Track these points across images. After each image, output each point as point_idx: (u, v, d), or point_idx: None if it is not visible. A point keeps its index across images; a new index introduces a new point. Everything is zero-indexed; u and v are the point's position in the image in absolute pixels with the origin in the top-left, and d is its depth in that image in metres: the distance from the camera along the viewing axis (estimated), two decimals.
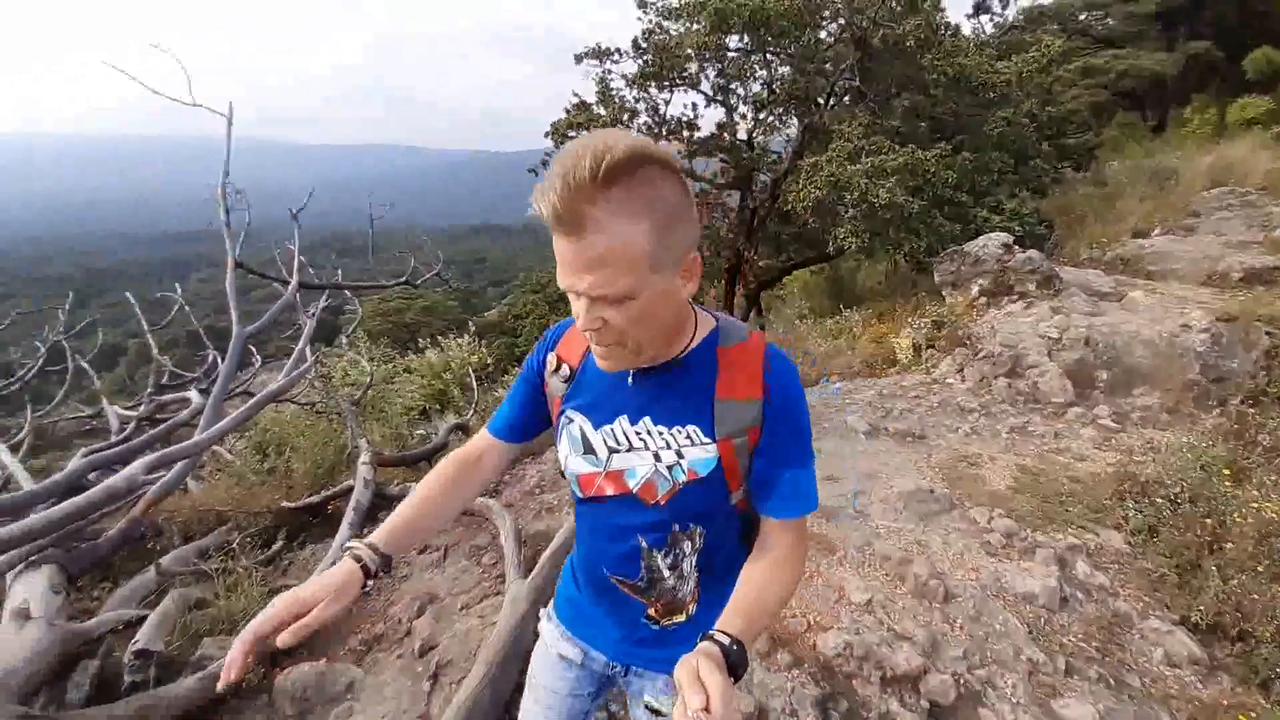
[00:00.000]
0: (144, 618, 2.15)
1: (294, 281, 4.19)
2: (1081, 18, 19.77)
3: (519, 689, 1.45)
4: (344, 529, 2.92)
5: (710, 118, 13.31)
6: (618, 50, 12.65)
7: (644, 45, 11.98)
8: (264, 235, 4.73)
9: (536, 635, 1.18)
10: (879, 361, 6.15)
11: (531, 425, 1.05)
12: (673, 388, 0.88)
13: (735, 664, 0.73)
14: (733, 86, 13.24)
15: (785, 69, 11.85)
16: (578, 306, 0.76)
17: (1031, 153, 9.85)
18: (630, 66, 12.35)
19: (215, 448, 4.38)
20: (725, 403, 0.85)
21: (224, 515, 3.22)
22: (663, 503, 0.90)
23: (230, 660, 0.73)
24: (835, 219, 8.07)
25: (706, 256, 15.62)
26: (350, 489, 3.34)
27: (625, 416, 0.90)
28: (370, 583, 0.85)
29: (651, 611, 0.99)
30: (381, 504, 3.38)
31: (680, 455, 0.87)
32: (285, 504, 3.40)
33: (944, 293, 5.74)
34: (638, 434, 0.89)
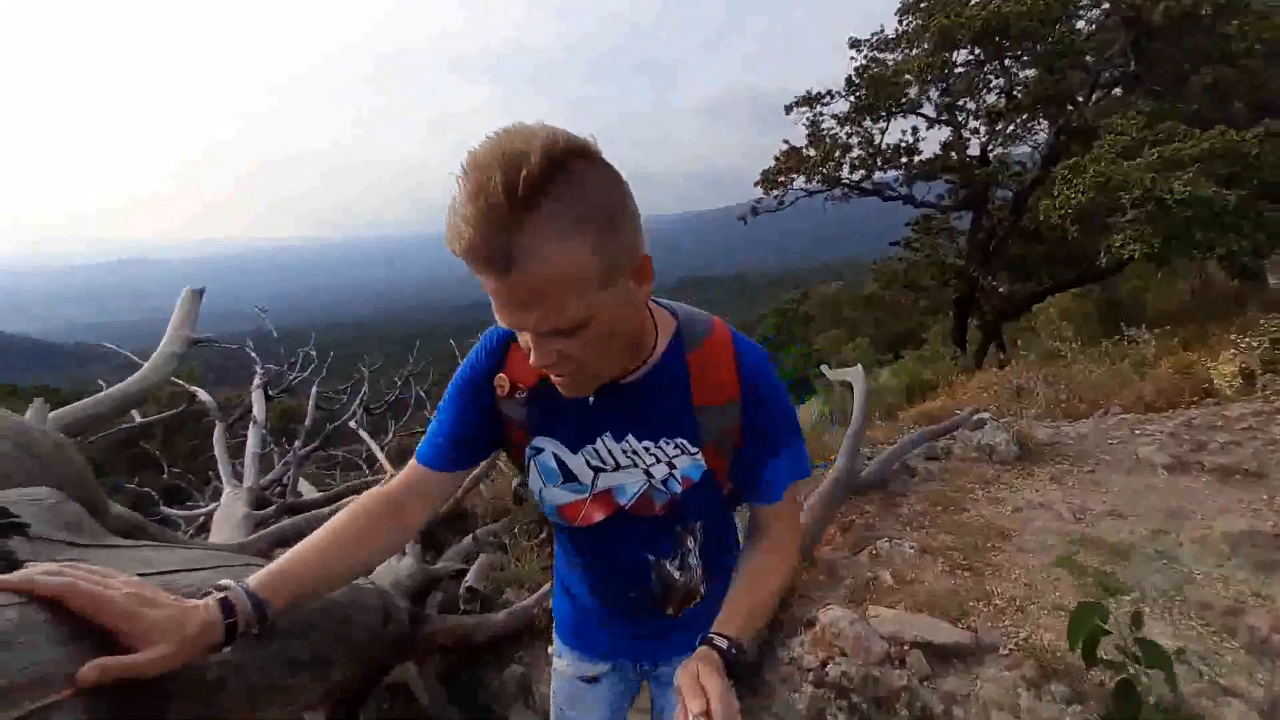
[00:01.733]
0: (467, 570, 2.83)
1: None
2: None
3: None
4: None
5: (934, 139, 12.44)
6: (829, 92, 12.68)
7: (857, 82, 11.81)
8: None
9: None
10: (1185, 392, 4.92)
11: (477, 449, 0.88)
12: (650, 400, 0.81)
13: (735, 665, 0.73)
14: (961, 103, 12.23)
15: (1029, 72, 10.57)
16: (524, 339, 0.68)
17: None
18: (842, 106, 12.22)
19: None
20: (704, 409, 0.81)
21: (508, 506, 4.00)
22: (661, 513, 0.87)
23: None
24: (1107, 227, 6.81)
25: (930, 286, 14.19)
26: None
27: (609, 434, 0.83)
28: (230, 647, 0.62)
29: (670, 611, 0.98)
30: None
31: (673, 466, 0.84)
32: None
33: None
34: (624, 452, 0.84)
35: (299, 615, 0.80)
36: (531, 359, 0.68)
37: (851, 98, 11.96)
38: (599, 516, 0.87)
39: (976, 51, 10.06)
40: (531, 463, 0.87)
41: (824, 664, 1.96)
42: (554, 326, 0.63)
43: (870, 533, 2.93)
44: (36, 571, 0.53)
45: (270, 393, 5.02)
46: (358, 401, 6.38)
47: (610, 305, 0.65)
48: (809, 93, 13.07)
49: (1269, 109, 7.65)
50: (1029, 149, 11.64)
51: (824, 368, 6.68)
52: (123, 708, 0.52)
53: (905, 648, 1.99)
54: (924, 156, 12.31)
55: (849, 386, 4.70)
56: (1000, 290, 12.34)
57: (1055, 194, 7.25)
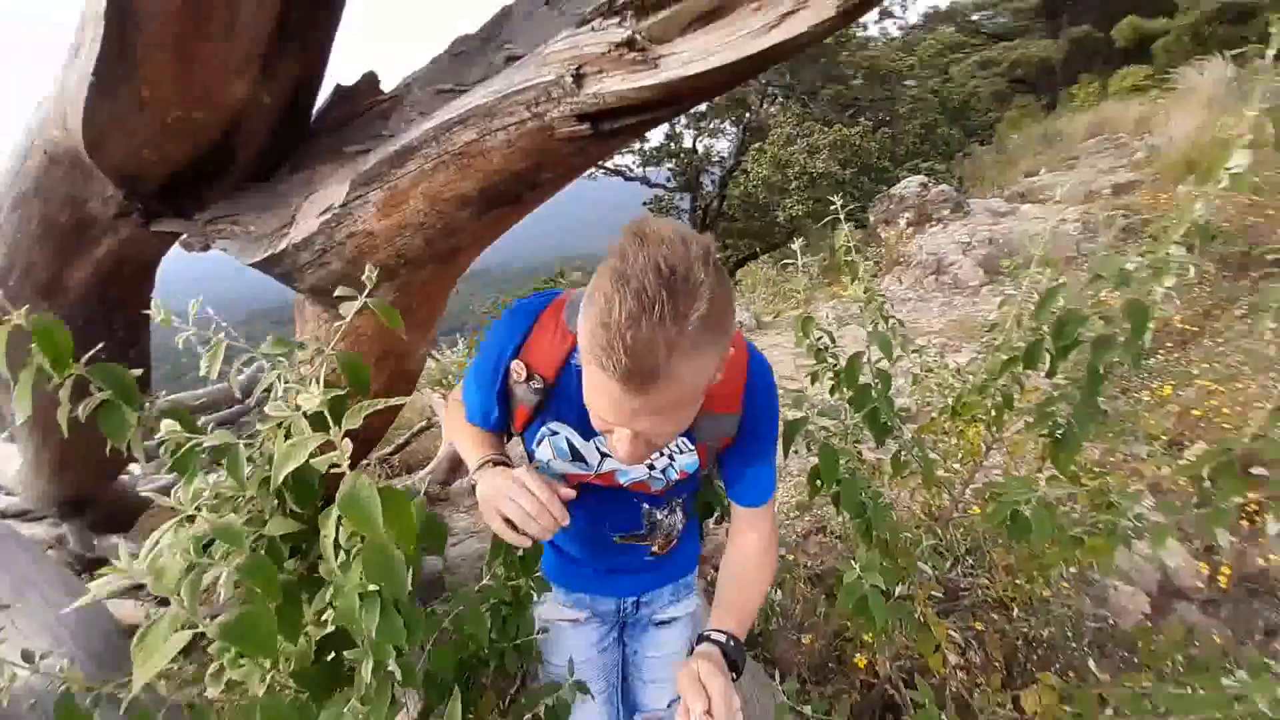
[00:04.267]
0: None
1: None
2: (974, 17, 22.12)
3: None
4: None
5: (661, 129, 14.59)
6: None
7: None
8: None
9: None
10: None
11: (503, 423, 0.96)
12: None
13: (734, 661, 0.78)
14: None
15: None
16: (617, 439, 0.69)
17: (939, 124, 11.34)
18: None
19: None
20: (707, 415, 0.81)
21: None
22: (655, 494, 0.97)
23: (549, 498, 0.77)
24: (783, 194, 9.26)
25: None
26: None
27: None
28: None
29: (654, 549, 1.05)
30: None
31: (672, 459, 0.91)
32: None
33: (879, 230, 6.86)
34: None
35: None
36: (619, 452, 0.69)
37: None
38: (599, 485, 0.95)
39: None
40: (544, 440, 0.91)
41: None
42: (673, 433, 0.68)
43: None
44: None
45: None
46: None
47: (701, 398, 0.68)
48: None
49: (860, 115, 11.23)
50: (727, 143, 14.44)
51: None
52: None
53: None
54: (653, 145, 14.42)
55: None
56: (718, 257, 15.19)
57: (749, 171, 9.51)
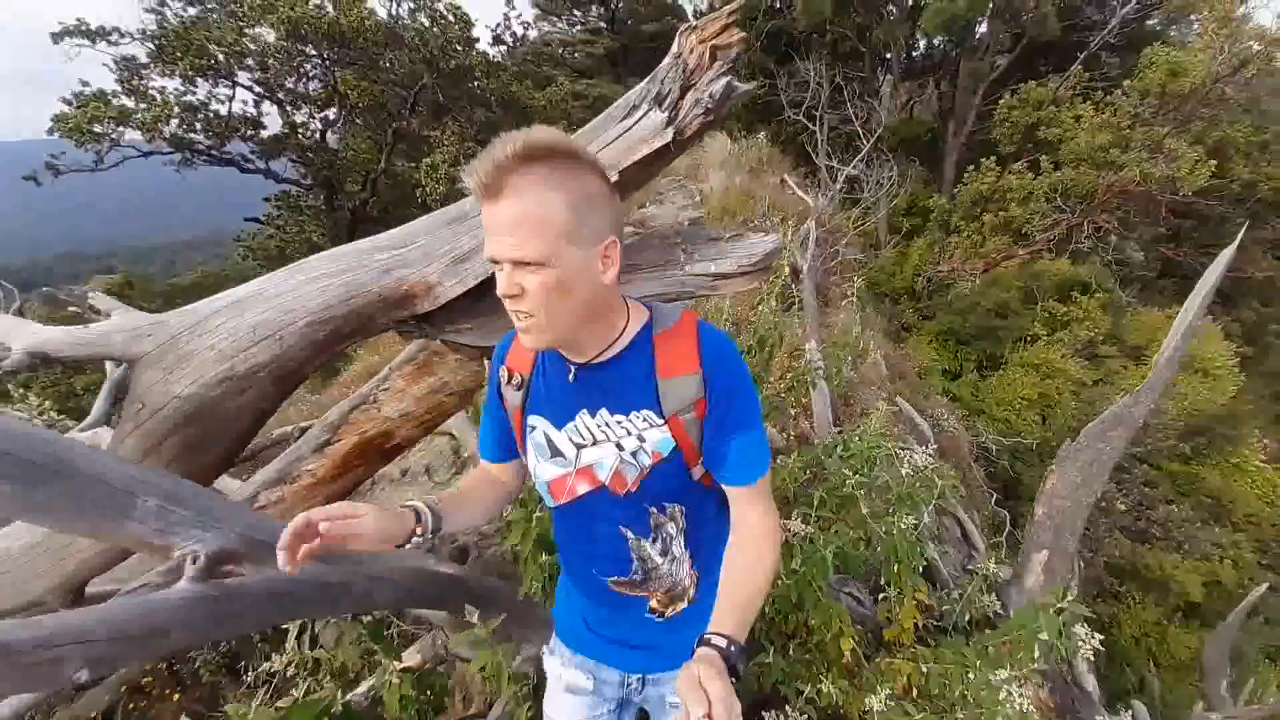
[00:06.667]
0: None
1: None
2: (561, 52, 26.09)
3: None
4: None
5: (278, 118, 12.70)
6: (117, 30, 10.71)
7: (158, 31, 10.47)
8: None
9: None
10: None
11: (513, 442, 1.03)
12: (619, 377, 0.90)
13: (735, 663, 0.76)
14: (283, 82, 12.77)
15: (348, 73, 12.36)
16: (500, 276, 0.80)
17: None
18: (134, 49, 10.63)
19: None
20: (667, 380, 0.88)
21: None
22: (634, 489, 0.92)
23: (282, 542, 0.76)
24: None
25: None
26: None
27: (584, 411, 0.92)
28: (417, 536, 0.89)
29: (654, 604, 1.00)
30: None
31: (642, 439, 0.90)
32: None
33: None
34: (599, 426, 0.91)
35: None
36: (499, 288, 0.81)
37: (150, 44, 10.50)
38: (583, 489, 0.94)
39: (316, 50, 11.14)
40: (528, 442, 0.98)
41: None
42: (520, 255, 0.77)
43: None
44: (311, 512, 0.79)
45: None
46: None
47: (572, 262, 0.79)
48: (82, 22, 10.66)
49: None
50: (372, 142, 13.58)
51: None
52: None
53: None
54: (272, 133, 12.49)
55: None
56: None
57: (423, 182, 9.79)
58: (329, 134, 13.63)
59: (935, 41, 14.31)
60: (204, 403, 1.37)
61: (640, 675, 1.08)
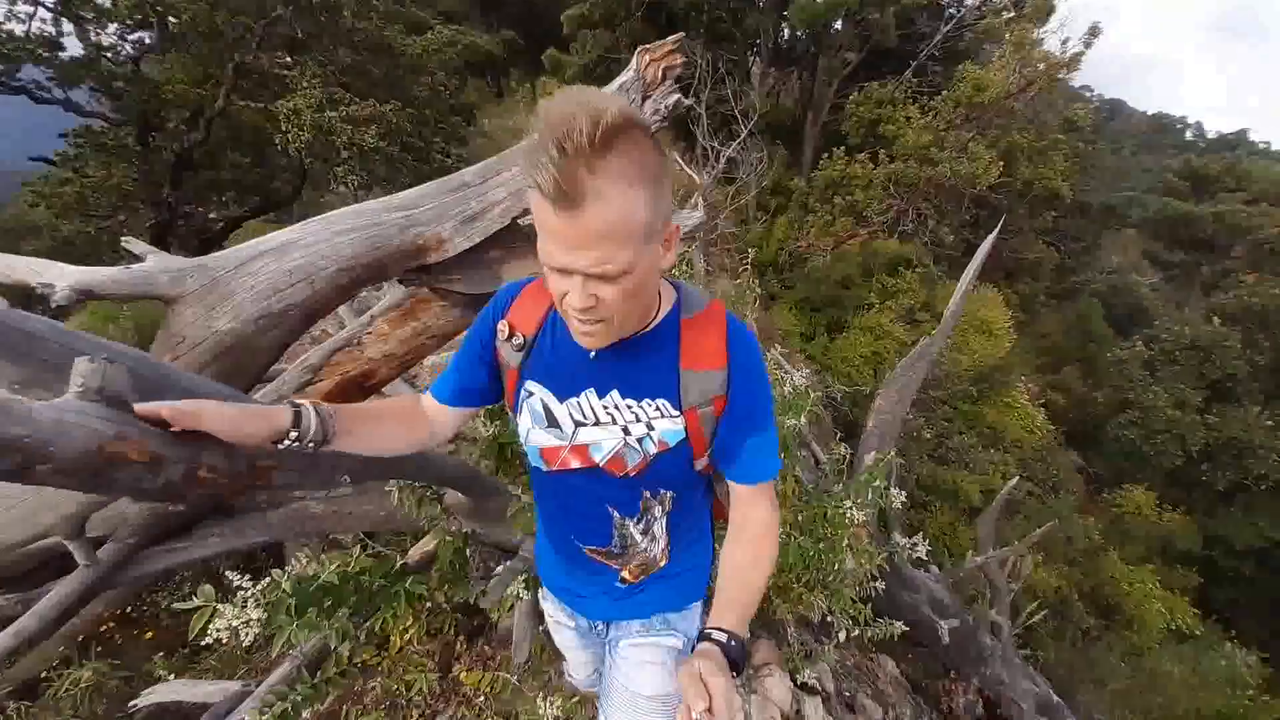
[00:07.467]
0: None
1: None
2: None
3: None
4: None
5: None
6: None
7: None
8: None
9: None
10: None
11: (486, 392, 0.99)
12: (638, 360, 0.86)
13: (735, 659, 0.77)
14: None
15: None
16: (566, 284, 0.73)
17: (447, 113, 13.18)
18: None
19: None
20: (689, 373, 0.85)
21: None
22: (633, 474, 0.90)
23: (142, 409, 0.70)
24: (332, 160, 9.30)
25: (124, 220, 12.55)
26: None
27: (593, 390, 0.88)
28: (289, 440, 0.79)
29: (625, 574, 1.01)
30: None
31: (651, 428, 0.87)
32: None
33: None
34: (605, 408, 0.88)
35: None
36: (572, 300, 0.73)
37: None
38: (575, 464, 0.92)
39: None
40: (523, 405, 0.94)
41: None
42: (604, 270, 0.69)
43: None
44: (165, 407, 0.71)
45: None
46: None
47: (646, 261, 0.72)
48: None
49: (376, 91, 11.81)
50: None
51: None
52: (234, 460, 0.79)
53: None
54: (73, 55, 10.48)
55: None
56: (211, 216, 12.72)
57: (285, 130, 8.98)
58: (144, 62, 11.68)
59: (799, 34, 15.66)
60: (240, 337, 1.60)
61: (606, 622, 1.12)
